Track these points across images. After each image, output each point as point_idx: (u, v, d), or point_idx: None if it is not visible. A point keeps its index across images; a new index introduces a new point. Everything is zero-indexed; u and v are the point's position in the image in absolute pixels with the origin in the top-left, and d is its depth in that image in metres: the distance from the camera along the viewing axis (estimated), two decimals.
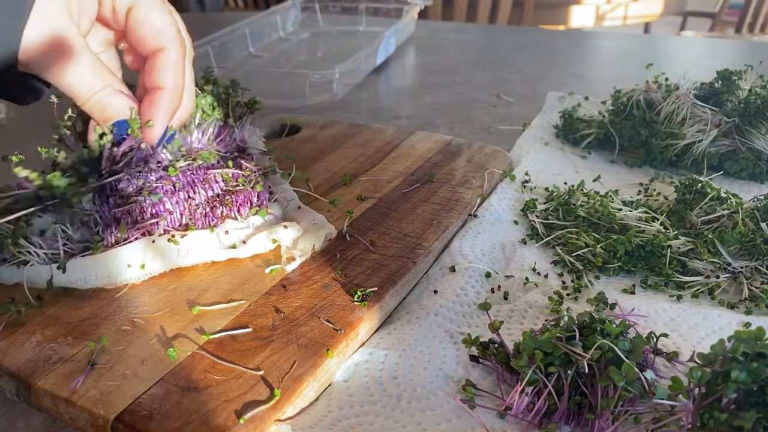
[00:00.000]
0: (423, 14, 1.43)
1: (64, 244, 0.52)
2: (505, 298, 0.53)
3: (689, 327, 0.48)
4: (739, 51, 1.27)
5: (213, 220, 0.55)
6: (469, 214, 0.63)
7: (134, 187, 0.55)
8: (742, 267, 0.54)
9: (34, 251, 0.51)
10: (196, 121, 0.61)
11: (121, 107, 0.50)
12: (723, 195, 0.60)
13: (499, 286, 0.54)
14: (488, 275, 0.55)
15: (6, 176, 0.66)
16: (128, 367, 0.44)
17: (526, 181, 0.69)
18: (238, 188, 0.57)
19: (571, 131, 0.79)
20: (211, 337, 0.46)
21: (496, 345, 0.45)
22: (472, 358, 0.46)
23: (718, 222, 0.58)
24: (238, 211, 0.57)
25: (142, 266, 0.52)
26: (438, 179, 0.67)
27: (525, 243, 0.60)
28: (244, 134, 0.67)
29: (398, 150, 0.74)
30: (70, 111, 0.56)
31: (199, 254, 0.54)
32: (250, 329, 0.47)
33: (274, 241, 0.55)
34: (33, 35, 0.44)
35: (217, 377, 0.43)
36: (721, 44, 1.45)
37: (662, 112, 0.72)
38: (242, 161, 0.60)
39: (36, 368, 0.44)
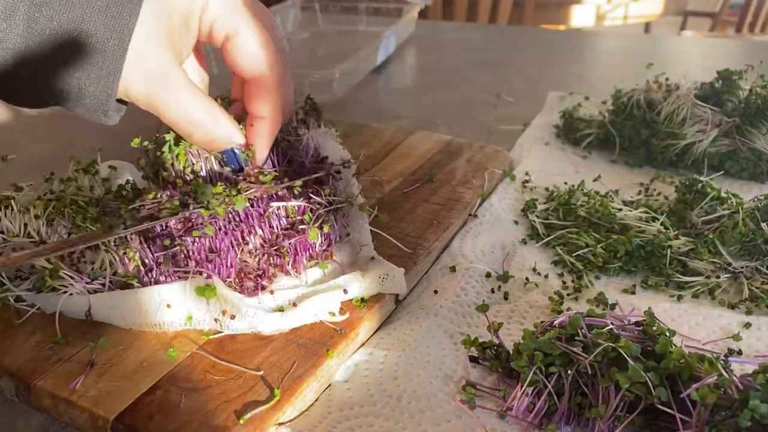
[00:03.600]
0: (423, 14, 1.43)
1: (113, 274, 0.48)
2: (506, 299, 0.53)
3: (690, 327, 0.48)
4: (739, 51, 1.27)
5: (261, 280, 0.48)
6: (469, 214, 0.63)
7: (183, 225, 0.48)
8: (742, 267, 0.54)
9: (71, 282, 0.48)
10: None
11: (227, 137, 0.49)
12: (723, 195, 0.60)
13: (500, 286, 0.54)
14: (488, 275, 0.55)
15: (6, 176, 0.66)
16: (128, 367, 0.44)
17: (527, 181, 0.69)
18: (301, 228, 0.49)
19: (571, 131, 0.79)
20: (211, 337, 0.46)
21: (496, 346, 0.45)
22: (472, 359, 0.46)
23: (719, 222, 0.58)
24: (294, 261, 0.48)
25: (189, 318, 0.46)
26: (438, 179, 0.67)
27: (525, 243, 0.60)
28: (317, 139, 0.58)
29: (398, 150, 0.74)
30: (142, 141, 0.52)
31: (243, 323, 0.46)
32: None
33: (332, 314, 0.46)
34: (134, 70, 0.44)
35: (217, 377, 0.43)
36: (721, 44, 1.45)
37: (663, 112, 0.72)
38: (314, 189, 0.51)
39: (36, 368, 0.44)
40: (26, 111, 0.95)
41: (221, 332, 0.47)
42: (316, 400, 0.44)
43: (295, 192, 0.50)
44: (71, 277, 0.48)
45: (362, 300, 0.49)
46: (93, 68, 0.43)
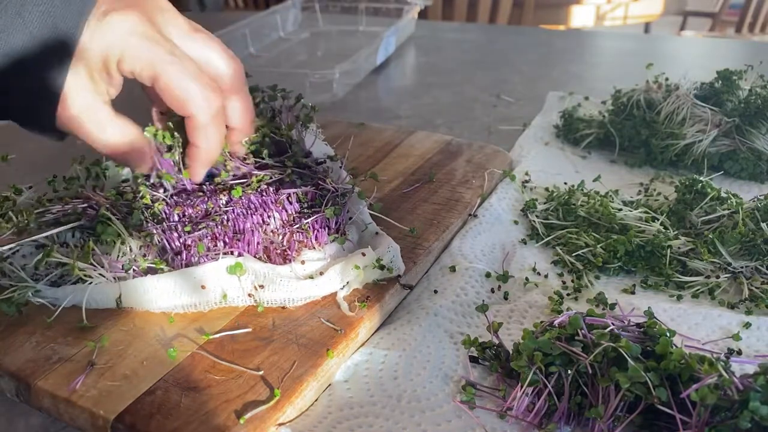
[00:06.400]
0: (423, 14, 1.43)
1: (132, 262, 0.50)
2: (505, 298, 0.53)
3: (689, 327, 0.48)
4: (739, 51, 1.27)
5: (289, 252, 0.51)
6: (469, 214, 0.63)
7: (202, 211, 0.53)
8: (742, 267, 0.54)
9: (99, 272, 0.49)
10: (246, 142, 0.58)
11: (148, 168, 0.56)
12: (723, 195, 0.60)
13: (500, 286, 0.54)
14: (488, 275, 0.55)
15: (6, 176, 0.66)
16: (128, 367, 0.44)
17: (526, 181, 0.69)
18: (314, 210, 0.53)
19: (571, 131, 0.79)
20: (211, 337, 0.46)
21: (496, 346, 0.45)
22: (472, 359, 0.46)
23: (719, 222, 0.58)
24: (316, 237, 0.52)
25: (225, 297, 0.49)
26: (438, 179, 0.67)
27: (525, 243, 0.60)
28: (305, 142, 0.61)
29: (398, 150, 0.74)
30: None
31: (276, 293, 0.49)
32: (250, 329, 0.47)
33: (357, 267, 0.50)
34: (64, 112, 0.50)
35: (217, 377, 0.43)
36: (721, 44, 1.45)
37: (662, 112, 0.72)
38: (319, 178, 0.56)
39: (36, 368, 0.44)
40: None
41: (222, 332, 0.47)
42: (316, 400, 0.44)
43: (297, 182, 0.55)
44: (95, 268, 0.50)
45: (363, 299, 0.49)
46: (32, 103, 0.50)
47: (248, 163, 0.58)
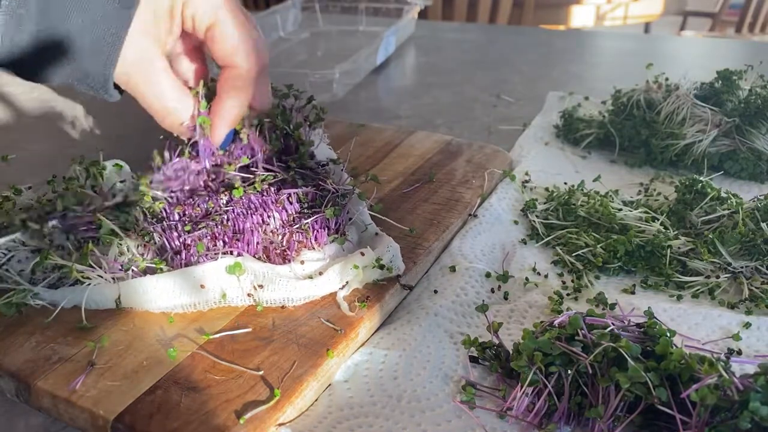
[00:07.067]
0: (423, 14, 1.43)
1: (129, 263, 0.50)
2: (505, 298, 0.53)
3: (689, 327, 0.48)
4: (739, 51, 1.27)
5: (289, 252, 0.51)
6: (469, 214, 0.63)
7: (202, 211, 0.53)
8: (742, 267, 0.54)
9: (97, 273, 0.49)
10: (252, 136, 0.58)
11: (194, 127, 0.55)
12: (723, 195, 0.60)
13: (500, 286, 0.54)
14: (488, 275, 0.55)
15: (6, 176, 0.66)
16: (128, 367, 0.44)
17: (526, 181, 0.69)
18: (314, 210, 0.53)
19: (571, 131, 0.79)
20: (211, 337, 0.46)
21: (496, 346, 0.45)
22: (472, 359, 0.46)
23: (719, 222, 0.58)
24: (315, 238, 0.52)
25: (224, 296, 0.49)
26: (438, 179, 0.67)
27: (525, 243, 0.60)
28: (309, 138, 0.62)
29: (398, 150, 0.74)
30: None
31: (276, 293, 0.49)
32: (250, 329, 0.47)
33: (356, 267, 0.50)
34: (124, 59, 0.50)
35: (217, 377, 0.43)
36: (721, 44, 1.45)
37: (662, 112, 0.72)
38: (320, 178, 0.57)
39: (36, 368, 0.44)
40: (27, 111, 0.95)
41: (222, 332, 0.47)
42: (316, 400, 0.44)
43: (297, 182, 0.55)
44: (93, 269, 0.49)
45: (363, 299, 0.49)
46: (92, 57, 0.49)
47: (255, 144, 0.58)
